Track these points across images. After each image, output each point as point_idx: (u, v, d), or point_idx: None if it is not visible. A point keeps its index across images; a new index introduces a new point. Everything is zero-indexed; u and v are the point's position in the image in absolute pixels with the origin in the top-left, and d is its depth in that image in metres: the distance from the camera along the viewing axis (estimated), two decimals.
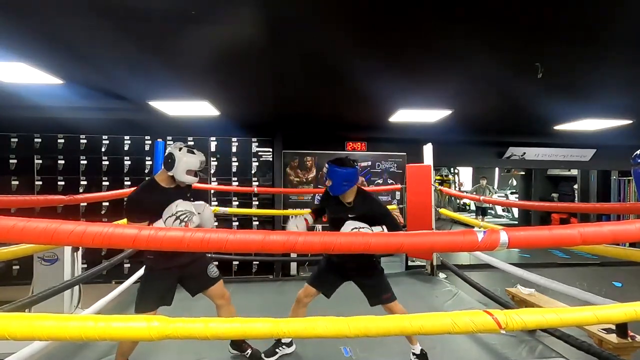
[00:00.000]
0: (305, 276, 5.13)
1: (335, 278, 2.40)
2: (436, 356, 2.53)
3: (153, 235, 1.11)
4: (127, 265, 4.90)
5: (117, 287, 2.99)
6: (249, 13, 1.86)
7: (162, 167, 2.11)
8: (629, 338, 2.52)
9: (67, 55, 2.49)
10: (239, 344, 2.47)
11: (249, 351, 2.44)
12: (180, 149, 2.07)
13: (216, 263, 2.46)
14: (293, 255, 4.99)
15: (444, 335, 1.38)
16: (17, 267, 4.80)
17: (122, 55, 2.51)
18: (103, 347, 2.53)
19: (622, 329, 2.52)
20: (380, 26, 1.99)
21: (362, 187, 2.39)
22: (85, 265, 4.29)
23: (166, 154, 2.08)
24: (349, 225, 2.15)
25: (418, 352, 2.42)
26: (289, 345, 2.56)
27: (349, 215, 2.22)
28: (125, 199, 2.06)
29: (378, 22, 1.95)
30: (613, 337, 2.54)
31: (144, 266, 2.19)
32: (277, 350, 2.50)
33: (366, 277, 2.35)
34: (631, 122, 4.58)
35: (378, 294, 2.32)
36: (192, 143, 5.32)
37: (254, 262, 5.19)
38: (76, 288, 3.24)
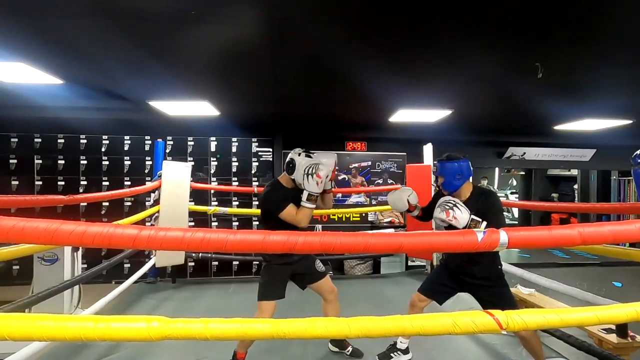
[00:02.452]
0: None
1: (449, 285, 2.20)
2: (436, 356, 2.53)
3: (153, 235, 1.11)
4: (127, 265, 4.89)
5: (117, 287, 2.99)
6: (249, 13, 1.86)
7: (284, 171, 2.27)
8: (629, 338, 2.52)
9: (67, 55, 2.49)
10: (339, 341, 2.53)
11: (350, 349, 2.52)
12: (299, 154, 2.22)
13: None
14: None
15: (445, 336, 1.38)
16: (17, 267, 4.79)
17: (122, 55, 2.50)
18: (103, 347, 2.53)
19: (622, 329, 2.52)
20: (380, 26, 1.99)
21: (481, 186, 2.23)
22: (85, 265, 4.29)
23: (287, 159, 2.25)
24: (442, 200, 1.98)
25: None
26: (404, 352, 2.40)
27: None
28: (263, 199, 2.29)
29: (378, 22, 1.95)
30: (613, 337, 2.54)
31: (264, 260, 2.33)
32: (391, 354, 2.40)
33: (484, 288, 2.08)
34: (631, 122, 4.58)
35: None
36: (192, 143, 5.32)
37: (254, 262, 5.19)
38: (76, 288, 3.23)
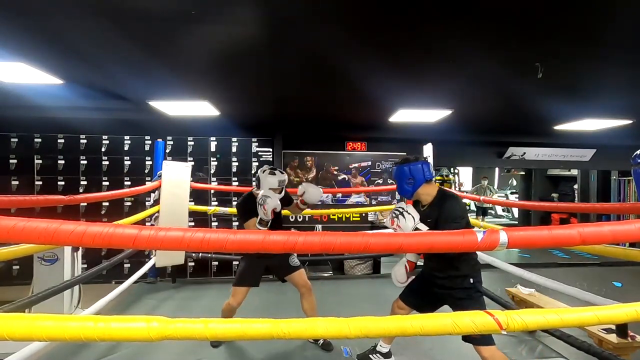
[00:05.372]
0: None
1: (428, 294, 2.07)
2: (436, 356, 2.53)
3: (153, 235, 1.11)
4: (127, 265, 4.89)
5: (117, 287, 2.99)
6: (249, 13, 1.86)
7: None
8: (629, 338, 2.52)
9: (67, 55, 2.49)
10: None
11: (321, 341, 2.64)
12: (264, 171, 2.53)
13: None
14: None
15: (444, 336, 1.38)
16: (17, 267, 4.79)
17: (122, 55, 2.50)
18: (103, 347, 2.53)
19: (622, 329, 2.52)
20: (380, 26, 1.99)
21: (446, 189, 2.04)
22: (85, 265, 4.29)
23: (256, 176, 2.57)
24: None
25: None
26: (385, 356, 2.34)
27: (427, 221, 1.90)
28: (236, 208, 2.72)
29: (378, 22, 1.95)
30: (613, 337, 2.54)
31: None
32: (370, 356, 2.37)
33: (455, 300, 1.95)
34: (631, 122, 4.58)
35: None
36: (192, 143, 5.32)
37: None
38: (76, 288, 3.23)
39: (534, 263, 6.13)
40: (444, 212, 1.89)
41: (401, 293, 2.20)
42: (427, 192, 1.99)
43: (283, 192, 2.59)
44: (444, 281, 1.98)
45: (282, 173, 2.56)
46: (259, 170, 2.59)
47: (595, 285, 4.58)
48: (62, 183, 5.01)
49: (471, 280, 1.92)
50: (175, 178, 3.85)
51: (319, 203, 5.54)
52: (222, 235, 1.15)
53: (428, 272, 2.09)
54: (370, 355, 2.40)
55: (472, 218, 7.86)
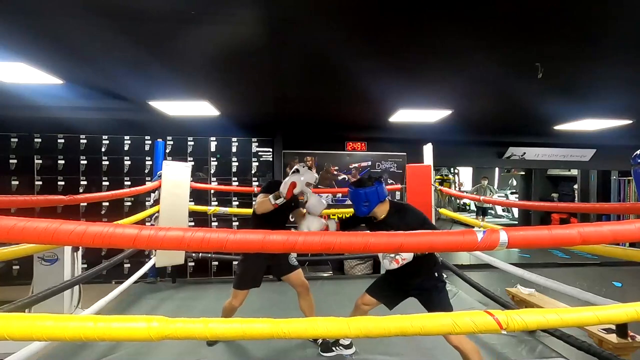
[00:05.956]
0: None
1: (397, 290, 2.24)
2: (436, 356, 2.53)
3: (153, 235, 1.11)
4: (127, 265, 4.89)
5: (117, 287, 2.98)
6: (249, 13, 1.86)
7: (291, 174, 2.50)
8: (629, 338, 2.52)
9: (67, 55, 2.50)
10: None
11: (320, 340, 2.60)
12: (303, 166, 2.49)
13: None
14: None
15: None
16: (17, 267, 4.80)
17: (122, 55, 2.51)
18: (103, 347, 2.53)
19: (622, 329, 2.52)
20: (380, 26, 2.00)
21: (397, 201, 2.24)
22: (85, 265, 4.29)
23: (293, 169, 2.50)
24: None
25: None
26: (347, 347, 2.50)
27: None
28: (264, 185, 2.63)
29: (378, 22, 1.95)
30: (613, 337, 2.54)
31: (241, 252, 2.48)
32: (333, 348, 2.50)
33: (426, 291, 2.13)
34: (631, 122, 4.58)
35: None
36: (192, 143, 5.32)
37: None
38: (76, 288, 3.23)
39: (534, 263, 6.13)
40: (411, 222, 2.03)
41: (368, 289, 2.33)
42: (381, 210, 2.16)
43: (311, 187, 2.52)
44: (413, 277, 2.14)
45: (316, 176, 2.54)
46: (298, 164, 2.56)
47: (595, 285, 4.58)
48: (62, 183, 5.01)
49: (436, 274, 2.15)
50: (175, 178, 3.85)
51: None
52: (222, 235, 1.15)
53: (395, 272, 2.17)
54: (333, 347, 2.49)
55: (472, 218, 7.88)
